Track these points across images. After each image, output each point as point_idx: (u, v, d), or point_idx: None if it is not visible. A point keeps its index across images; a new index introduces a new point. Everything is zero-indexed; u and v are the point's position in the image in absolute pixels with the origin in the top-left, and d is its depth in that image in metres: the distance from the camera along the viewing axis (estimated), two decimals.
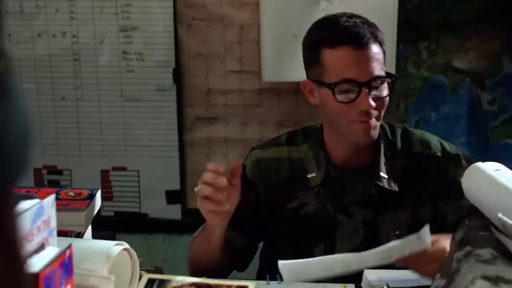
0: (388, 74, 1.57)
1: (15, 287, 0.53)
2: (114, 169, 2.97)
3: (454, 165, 1.66)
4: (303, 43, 1.66)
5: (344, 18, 1.58)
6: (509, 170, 1.20)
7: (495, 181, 1.14)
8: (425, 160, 1.67)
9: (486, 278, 0.97)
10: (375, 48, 1.54)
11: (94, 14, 2.85)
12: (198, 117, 2.91)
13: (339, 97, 1.54)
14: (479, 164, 1.24)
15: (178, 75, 2.86)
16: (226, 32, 2.82)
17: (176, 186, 2.95)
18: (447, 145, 1.70)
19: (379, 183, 1.62)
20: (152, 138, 2.92)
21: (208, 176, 1.44)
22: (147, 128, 2.92)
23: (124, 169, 2.96)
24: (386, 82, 1.56)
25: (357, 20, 1.57)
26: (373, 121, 1.56)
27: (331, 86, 1.54)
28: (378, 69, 1.54)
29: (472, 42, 2.76)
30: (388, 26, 2.63)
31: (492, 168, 1.20)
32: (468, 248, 1.06)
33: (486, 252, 1.02)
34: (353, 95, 1.53)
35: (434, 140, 1.71)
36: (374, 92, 1.54)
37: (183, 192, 2.96)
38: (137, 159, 2.95)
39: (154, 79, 2.87)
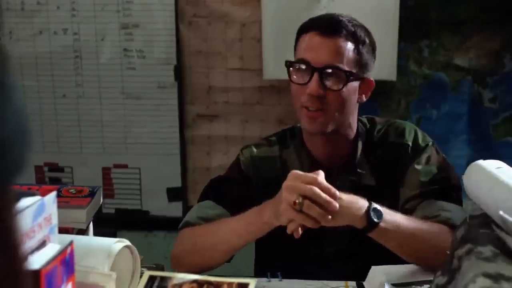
0: (346, 71, 1.55)
1: (14, 285, 0.52)
2: (115, 166, 2.97)
3: (419, 155, 1.65)
4: None
5: (333, 14, 1.62)
6: (510, 168, 1.19)
7: (496, 179, 1.14)
8: (398, 149, 1.66)
9: (487, 275, 0.97)
10: (343, 43, 1.55)
11: (96, 11, 2.85)
12: (199, 114, 2.91)
13: (294, 77, 1.59)
14: (480, 162, 1.24)
15: (179, 73, 2.86)
16: (227, 29, 2.82)
17: (177, 183, 2.95)
18: (420, 136, 1.68)
19: (354, 178, 1.63)
20: (153, 136, 2.92)
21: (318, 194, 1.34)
22: (148, 125, 2.92)
23: (125, 166, 2.97)
24: (345, 79, 1.56)
25: (343, 17, 1.59)
26: (319, 113, 1.57)
27: (287, 63, 1.60)
28: (336, 60, 1.55)
29: (473, 40, 2.76)
30: (389, 24, 2.63)
31: (493, 166, 1.20)
32: (469, 245, 1.06)
33: (487, 250, 1.02)
34: (306, 79, 1.56)
35: (410, 130, 1.69)
36: (327, 82, 1.55)
37: (184, 189, 2.96)
38: (138, 157, 2.95)
39: (155, 77, 2.87)
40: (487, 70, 2.78)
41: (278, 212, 1.38)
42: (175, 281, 1.26)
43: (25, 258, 0.54)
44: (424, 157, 1.64)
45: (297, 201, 1.34)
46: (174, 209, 2.96)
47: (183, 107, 2.90)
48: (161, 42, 2.85)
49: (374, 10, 2.60)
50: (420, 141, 1.67)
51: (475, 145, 2.82)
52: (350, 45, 1.56)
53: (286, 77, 2.78)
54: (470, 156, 2.74)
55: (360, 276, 1.48)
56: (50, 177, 3.00)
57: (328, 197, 1.33)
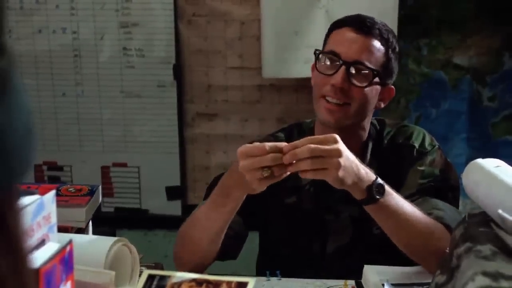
0: (374, 69, 1.56)
1: (18, 283, 0.53)
2: (115, 165, 2.97)
3: (424, 157, 1.64)
4: None
5: (368, 16, 1.64)
6: (509, 167, 1.19)
7: (495, 178, 1.14)
8: (404, 150, 1.66)
9: (486, 274, 0.97)
10: (375, 42, 1.58)
11: (95, 10, 2.85)
12: (198, 113, 2.91)
13: (319, 66, 1.58)
14: (479, 160, 1.24)
15: (178, 71, 2.86)
16: (226, 28, 2.82)
17: (177, 182, 2.95)
18: (427, 139, 1.68)
19: None
20: (153, 134, 2.92)
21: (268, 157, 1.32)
22: (148, 124, 2.92)
23: (124, 165, 2.96)
24: (371, 78, 1.56)
25: (377, 21, 1.63)
26: (339, 108, 1.56)
27: (316, 52, 1.60)
28: (365, 58, 1.56)
29: (473, 39, 2.76)
30: (388, 22, 2.60)
31: (492, 165, 1.20)
32: (468, 244, 1.06)
33: (486, 248, 1.02)
34: (332, 70, 1.56)
35: (418, 133, 1.69)
36: (353, 78, 1.55)
37: (183, 188, 2.96)
38: (138, 155, 2.95)
39: (154, 75, 2.87)
40: (486, 69, 2.78)
41: (246, 184, 1.35)
42: (174, 280, 1.26)
43: (29, 256, 0.55)
44: (428, 159, 1.64)
45: (264, 174, 1.30)
46: (173, 208, 2.96)
47: (182, 105, 2.90)
48: (161, 41, 2.84)
49: (373, 8, 2.59)
50: (426, 144, 1.66)
51: (474, 143, 2.82)
52: (381, 47, 1.59)
53: (285, 75, 2.78)
54: (469, 155, 2.74)
55: (359, 275, 1.49)
56: (49, 176, 3.00)
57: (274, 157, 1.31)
